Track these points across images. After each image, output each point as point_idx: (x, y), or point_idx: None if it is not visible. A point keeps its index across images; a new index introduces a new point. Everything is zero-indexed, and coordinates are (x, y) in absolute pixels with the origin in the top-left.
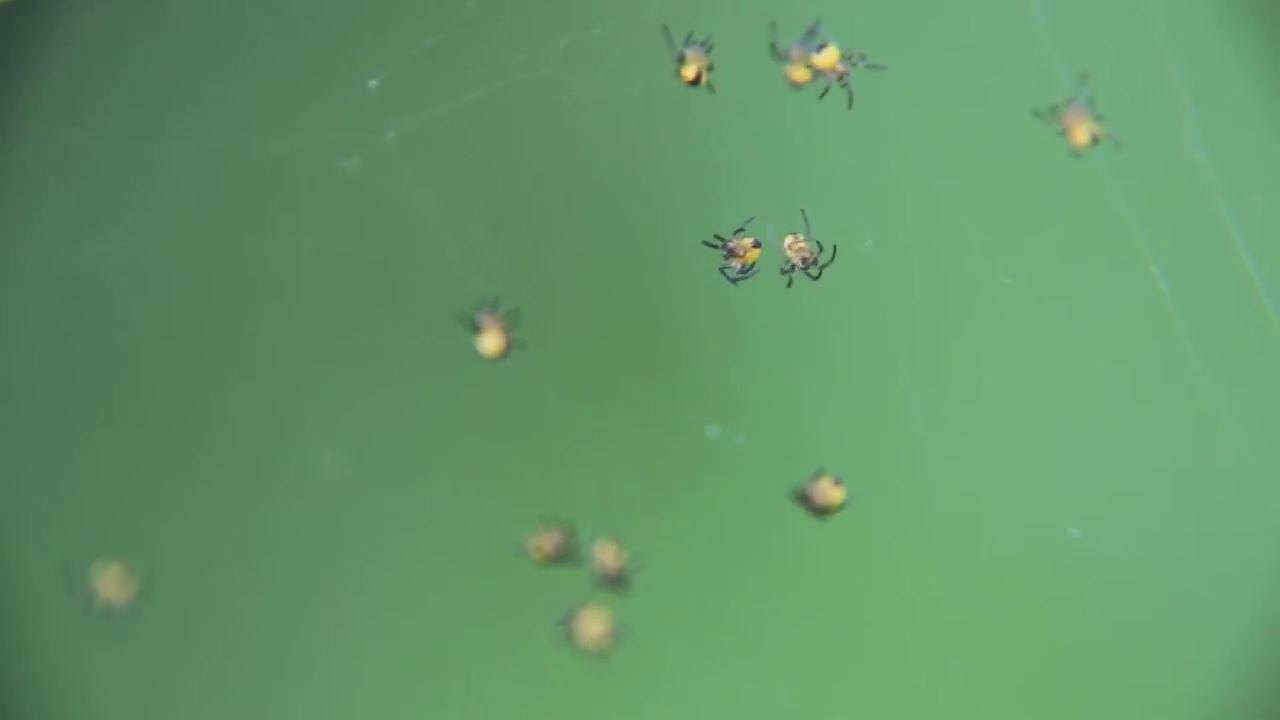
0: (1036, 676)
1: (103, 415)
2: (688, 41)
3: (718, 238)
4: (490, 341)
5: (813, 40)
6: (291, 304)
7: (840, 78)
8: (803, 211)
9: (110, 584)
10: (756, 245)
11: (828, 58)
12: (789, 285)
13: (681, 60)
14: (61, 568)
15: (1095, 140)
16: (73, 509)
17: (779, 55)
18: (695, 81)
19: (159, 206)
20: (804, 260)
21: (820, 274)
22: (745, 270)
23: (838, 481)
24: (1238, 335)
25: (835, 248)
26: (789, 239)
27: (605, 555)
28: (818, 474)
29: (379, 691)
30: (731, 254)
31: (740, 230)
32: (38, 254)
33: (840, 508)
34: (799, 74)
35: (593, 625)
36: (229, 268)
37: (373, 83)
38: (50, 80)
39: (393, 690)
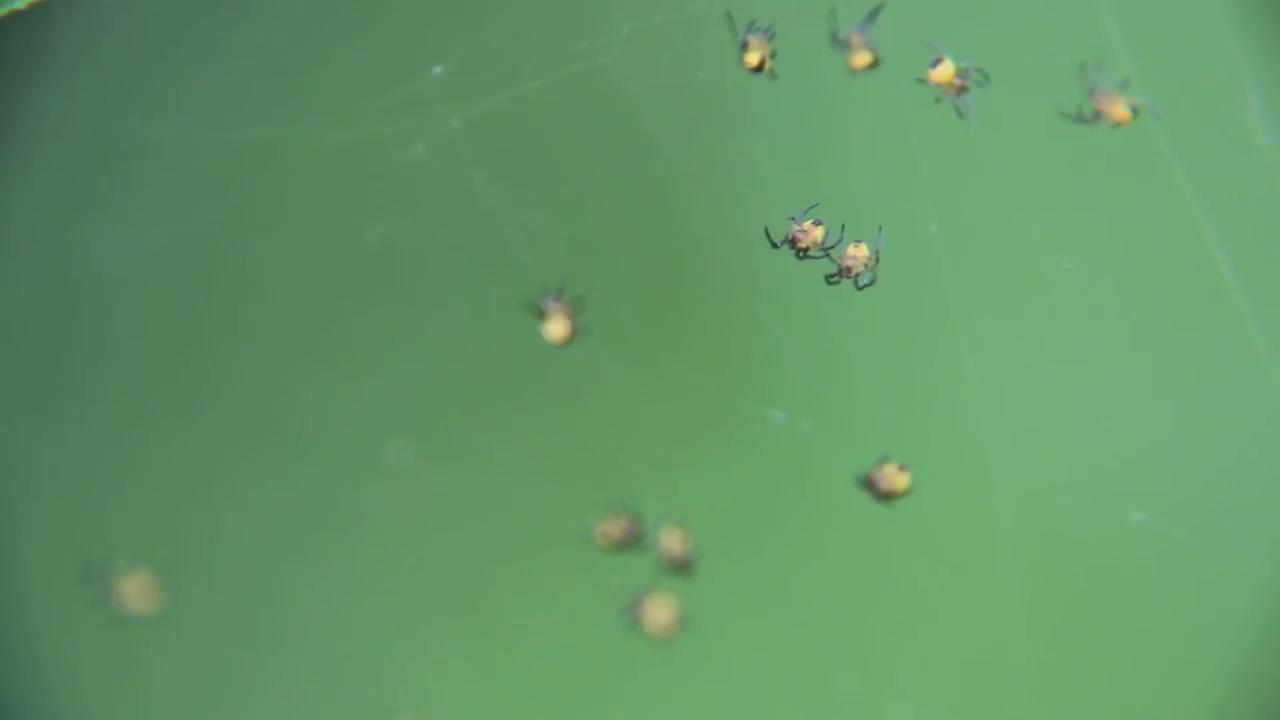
0: (1101, 660)
1: (170, 407)
2: (750, 28)
3: (773, 243)
4: (556, 327)
5: (870, 26)
6: (356, 291)
7: (958, 92)
8: (879, 229)
9: (135, 592)
10: (818, 223)
11: (943, 73)
12: (829, 283)
13: (745, 47)
14: (84, 563)
15: (1136, 112)
16: (139, 505)
17: (838, 42)
18: (759, 68)
19: (225, 196)
20: (850, 269)
21: (863, 288)
22: (823, 247)
23: (903, 467)
24: None
25: (875, 276)
26: (852, 246)
27: (671, 541)
28: (883, 459)
29: (443, 678)
30: (795, 241)
31: (798, 216)
32: (80, 242)
33: (905, 493)
34: (859, 60)
35: (659, 612)
36: (294, 255)
37: (437, 70)
38: (113, 72)
39: (459, 677)
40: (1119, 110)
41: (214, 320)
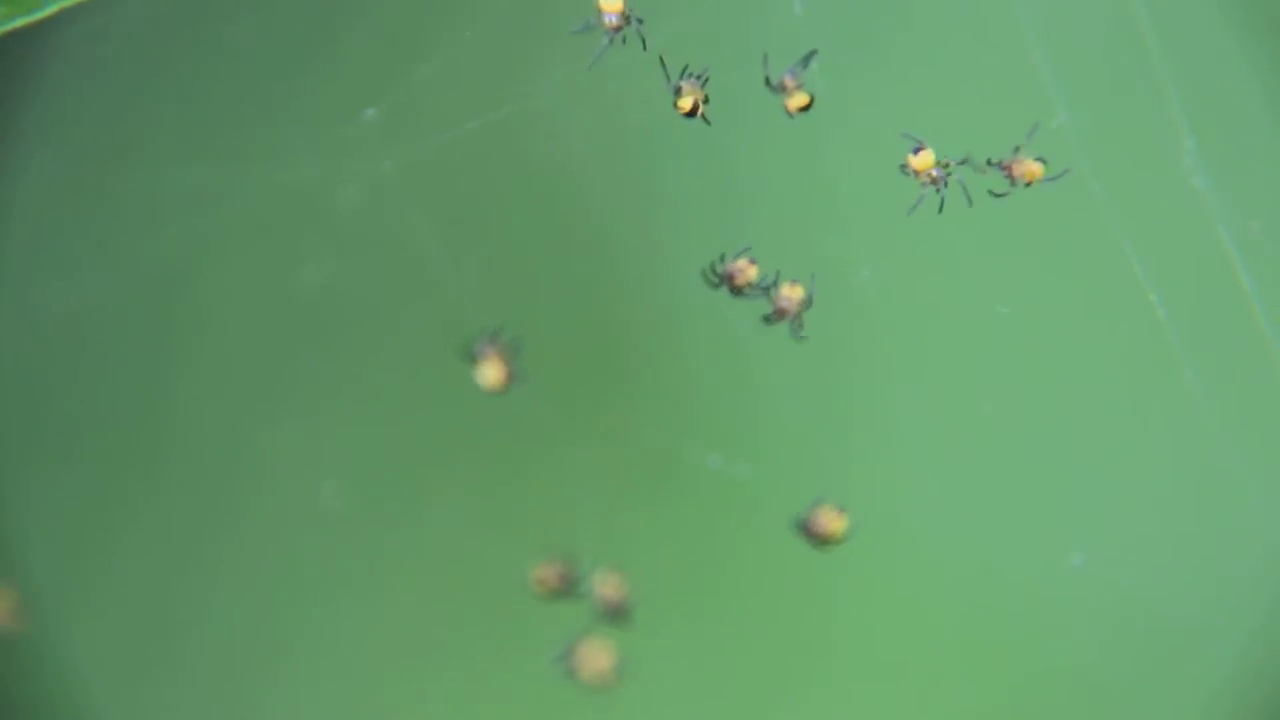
0: (1041, 701)
1: (105, 450)
2: (684, 74)
3: (714, 272)
4: (491, 373)
5: (802, 69)
6: (287, 333)
7: (934, 183)
8: (812, 276)
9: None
10: (752, 262)
11: (924, 160)
12: (767, 323)
13: (678, 92)
14: None
15: (1044, 160)
16: (61, 548)
17: (772, 87)
18: (692, 113)
19: (155, 239)
20: (785, 311)
21: (804, 336)
22: (759, 286)
23: (840, 511)
24: (1237, 363)
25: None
26: (787, 286)
27: (606, 587)
28: (818, 502)
29: None
30: (731, 279)
31: (735, 257)
32: (33, 289)
33: (842, 537)
34: (795, 101)
35: (595, 658)
36: (226, 297)
37: (369, 113)
38: (49, 119)
39: None
40: (1030, 168)
41: (148, 364)
